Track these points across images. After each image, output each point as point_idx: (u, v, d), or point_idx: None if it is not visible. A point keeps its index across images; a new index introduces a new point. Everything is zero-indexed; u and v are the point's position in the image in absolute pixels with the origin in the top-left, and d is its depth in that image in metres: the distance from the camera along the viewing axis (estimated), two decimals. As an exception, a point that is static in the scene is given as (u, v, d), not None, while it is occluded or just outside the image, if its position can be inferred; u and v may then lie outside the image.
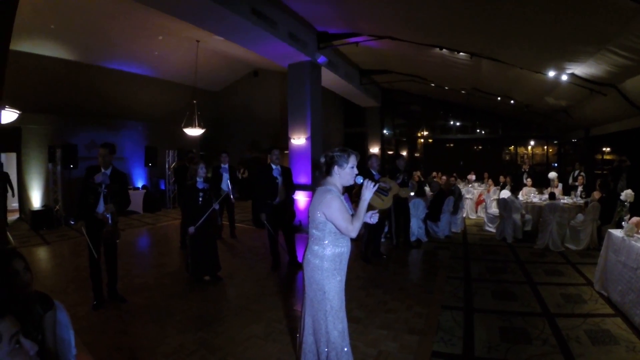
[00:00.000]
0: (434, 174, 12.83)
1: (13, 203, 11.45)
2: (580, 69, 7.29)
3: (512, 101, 11.65)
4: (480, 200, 11.36)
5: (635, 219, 4.54)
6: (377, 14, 7.38)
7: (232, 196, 7.85)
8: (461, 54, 8.05)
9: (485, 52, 7.79)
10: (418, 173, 11.51)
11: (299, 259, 5.95)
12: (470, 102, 14.44)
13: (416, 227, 7.97)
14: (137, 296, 4.90)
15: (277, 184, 6.07)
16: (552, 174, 10.55)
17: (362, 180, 2.66)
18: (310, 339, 2.83)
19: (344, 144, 15.94)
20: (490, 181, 12.17)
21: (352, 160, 2.73)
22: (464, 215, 10.60)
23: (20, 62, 9.08)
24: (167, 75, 13.66)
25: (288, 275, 5.92)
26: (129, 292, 4.94)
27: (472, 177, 13.39)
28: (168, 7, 6.37)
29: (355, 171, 2.75)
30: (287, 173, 6.28)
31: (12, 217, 11.14)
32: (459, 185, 10.60)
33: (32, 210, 10.09)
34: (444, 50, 8.12)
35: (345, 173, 2.72)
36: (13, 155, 11.24)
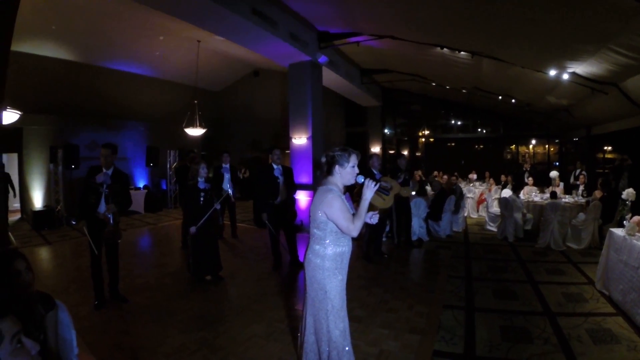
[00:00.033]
0: (435, 173, 12.82)
1: (15, 203, 11.47)
2: (581, 68, 7.27)
3: (513, 100, 11.63)
4: (481, 200, 11.35)
5: (636, 218, 4.53)
6: (377, 14, 7.37)
7: (232, 197, 7.83)
8: (462, 53, 8.04)
9: (486, 51, 7.78)
10: (419, 172, 11.51)
11: (300, 259, 5.95)
12: (471, 101, 14.42)
13: (417, 226, 7.97)
14: (139, 296, 4.91)
15: (278, 184, 6.07)
16: (554, 173, 10.53)
17: (363, 180, 2.67)
18: (312, 338, 2.83)
19: (345, 144, 15.85)
20: (491, 180, 12.15)
21: (353, 160, 2.73)
22: (465, 214, 10.59)
23: (21, 62, 9.09)
24: (168, 76, 13.66)
25: (289, 275, 5.92)
26: (131, 292, 4.95)
27: (474, 176, 13.38)
28: (169, 8, 6.37)
29: (356, 170, 2.75)
30: (288, 173, 6.29)
31: (14, 217, 11.16)
32: (460, 185, 10.60)
33: (33, 210, 10.11)
34: (445, 49, 8.11)
35: (346, 172, 2.72)
36: (14, 156, 11.26)
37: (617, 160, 9.75)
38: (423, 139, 18.21)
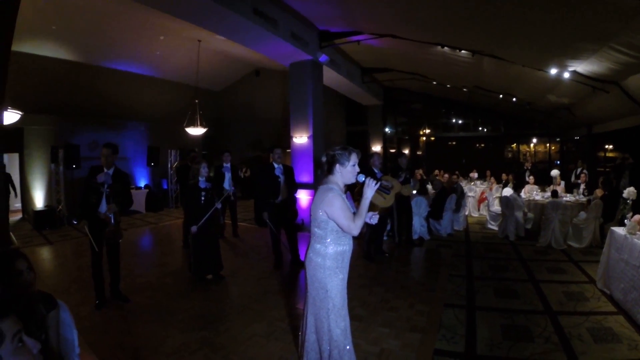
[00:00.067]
0: (436, 172, 12.82)
1: (16, 203, 11.49)
2: (582, 67, 7.27)
3: (514, 99, 11.63)
4: (482, 198, 11.34)
5: (637, 217, 4.53)
6: (378, 13, 7.37)
7: (232, 195, 7.80)
8: (462, 51, 8.03)
9: (487, 50, 7.77)
10: (420, 171, 11.50)
11: (301, 258, 5.95)
12: (472, 99, 14.42)
13: (418, 225, 7.97)
14: (140, 295, 4.92)
15: (279, 183, 6.08)
16: (555, 172, 10.53)
17: (364, 179, 2.67)
18: (313, 337, 2.84)
19: (346, 143, 15.85)
20: (492, 179, 12.14)
21: (354, 158, 2.74)
22: (467, 213, 10.58)
23: (21, 63, 9.10)
24: (169, 75, 13.67)
25: (290, 274, 5.92)
26: (132, 292, 4.96)
27: (475, 175, 13.36)
28: (169, 7, 6.37)
29: (357, 169, 2.75)
30: (289, 172, 6.29)
31: (15, 217, 11.19)
32: (461, 183, 10.59)
33: (34, 210, 10.12)
34: (445, 48, 8.11)
35: (346, 171, 2.73)
36: (15, 156, 11.29)
37: (618, 158, 9.73)
38: (424, 138, 18.22)
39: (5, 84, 4.15)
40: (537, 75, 8.32)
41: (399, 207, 7.30)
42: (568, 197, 8.53)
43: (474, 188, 11.85)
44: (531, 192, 9.40)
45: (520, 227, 8.04)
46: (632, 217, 4.68)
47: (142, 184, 13.55)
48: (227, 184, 7.85)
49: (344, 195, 2.73)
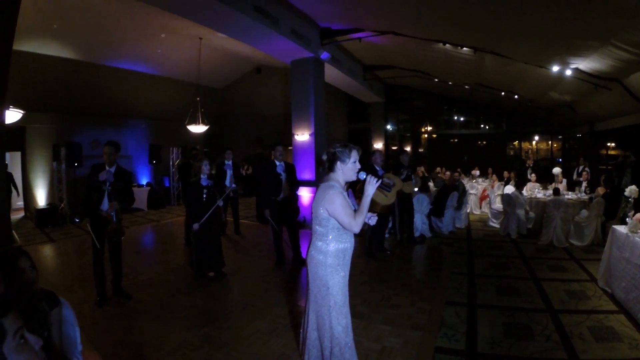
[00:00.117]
0: (438, 169, 12.78)
1: (18, 202, 11.52)
2: (584, 64, 7.25)
3: (516, 96, 11.60)
4: (484, 196, 11.33)
5: (639, 215, 4.52)
6: (380, 10, 7.36)
7: (231, 192, 7.77)
8: (464, 49, 8.02)
9: (489, 47, 7.75)
10: (422, 168, 11.50)
11: (303, 255, 5.96)
12: (473, 97, 14.39)
13: (420, 222, 7.97)
14: (142, 293, 4.94)
15: (281, 180, 6.08)
16: (556, 170, 10.50)
17: (365, 176, 2.67)
18: (314, 334, 2.85)
19: (348, 140, 15.91)
20: (494, 176, 12.12)
21: (354, 155, 2.74)
22: (468, 210, 10.56)
23: (23, 62, 9.12)
24: (170, 73, 13.68)
25: (292, 271, 5.93)
26: (134, 289, 4.98)
27: (476, 172, 13.34)
28: (170, 5, 6.38)
29: (358, 166, 2.76)
30: (290, 169, 6.29)
31: (18, 215, 11.24)
32: (463, 181, 10.58)
33: (37, 208, 10.15)
34: (447, 45, 8.10)
35: (348, 169, 2.73)
36: (17, 154, 11.32)
37: (620, 156, 9.70)
38: (426, 135, 18.17)
39: (7, 83, 4.16)
40: (539, 72, 8.31)
41: (401, 205, 7.30)
42: (570, 195, 8.52)
43: (475, 185, 11.84)
44: (533, 190, 9.39)
45: (522, 225, 8.03)
46: (633, 215, 4.67)
47: (144, 181, 13.59)
48: (228, 182, 7.85)
49: (345, 193, 2.74)
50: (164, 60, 12.50)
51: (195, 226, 5.27)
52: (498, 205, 9.38)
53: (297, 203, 8.79)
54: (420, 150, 18.42)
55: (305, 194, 9.29)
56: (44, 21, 8.61)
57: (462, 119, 17.25)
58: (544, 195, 8.84)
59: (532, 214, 8.30)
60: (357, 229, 2.62)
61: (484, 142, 17.60)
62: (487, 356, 3.35)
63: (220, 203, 5.62)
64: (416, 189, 8.13)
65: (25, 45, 9.06)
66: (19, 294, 1.93)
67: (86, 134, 11.69)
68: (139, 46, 11.23)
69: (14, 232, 7.17)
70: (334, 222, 2.67)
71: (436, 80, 12.53)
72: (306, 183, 9.18)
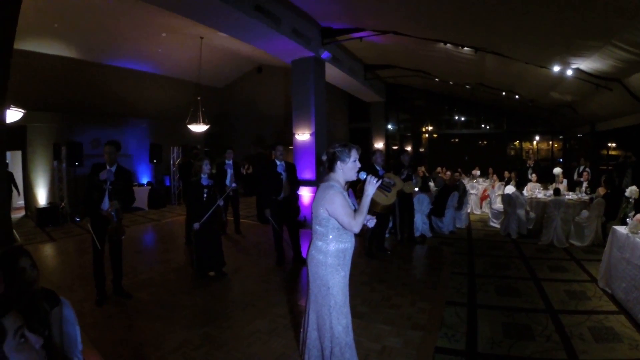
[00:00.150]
0: (439, 169, 12.78)
1: (19, 201, 11.54)
2: (585, 64, 7.24)
3: (516, 96, 11.59)
4: (484, 196, 11.32)
5: (639, 216, 4.51)
6: (380, 9, 7.36)
7: (231, 192, 7.75)
8: (465, 48, 8.01)
9: (490, 47, 7.75)
10: (422, 168, 11.49)
11: (304, 255, 5.96)
12: (474, 97, 14.37)
13: (420, 222, 7.97)
14: (143, 292, 4.94)
15: (281, 180, 6.09)
16: (557, 170, 10.50)
17: (365, 176, 2.67)
18: (314, 334, 2.85)
19: (349, 139, 15.91)
20: (494, 176, 12.12)
21: (354, 154, 2.75)
22: (469, 210, 10.56)
23: (23, 61, 9.13)
24: (171, 72, 13.69)
25: (292, 271, 5.94)
26: (134, 288, 4.98)
27: (477, 172, 13.34)
28: (171, 5, 6.38)
29: (358, 165, 2.76)
30: (291, 169, 6.30)
31: (18, 214, 11.25)
32: (463, 181, 10.57)
33: (37, 207, 10.16)
34: (448, 45, 8.09)
35: (348, 168, 2.73)
36: (18, 153, 11.33)
37: (620, 157, 9.69)
38: (426, 135, 18.16)
39: (8, 82, 4.16)
40: (539, 72, 8.30)
41: (401, 205, 7.30)
42: (570, 195, 8.52)
43: (476, 185, 11.84)
44: (533, 190, 9.38)
45: (522, 225, 8.03)
46: (634, 216, 4.67)
47: (144, 181, 13.60)
48: (229, 181, 7.85)
49: (345, 193, 2.74)
50: (164, 59, 12.51)
51: (196, 225, 5.27)
52: (498, 205, 9.37)
53: (297, 202, 8.79)
54: (421, 150, 18.41)
55: (305, 194, 9.29)
56: (44, 20, 8.62)
57: (462, 118, 17.24)
58: (545, 195, 8.83)
59: (532, 214, 8.29)
60: (356, 229, 2.62)
61: (485, 142, 17.59)
62: (487, 356, 3.35)
63: (221, 202, 5.63)
64: (417, 189, 8.13)
65: (26, 44, 9.06)
66: (20, 293, 1.93)
67: (87, 133, 11.71)
68: (140, 45, 11.24)
69: (14, 231, 7.19)
70: (334, 222, 2.67)
71: (437, 80, 12.52)
72: (307, 183, 9.18)
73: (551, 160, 16.03)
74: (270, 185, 6.02)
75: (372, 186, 2.60)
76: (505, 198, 8.21)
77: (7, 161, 4.60)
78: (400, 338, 3.65)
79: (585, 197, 8.36)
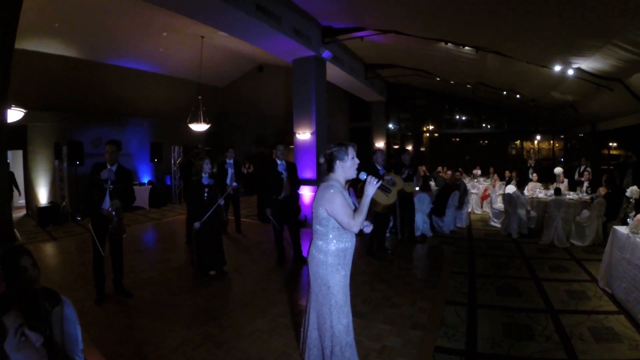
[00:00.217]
0: (439, 168, 12.78)
1: (20, 200, 11.56)
2: (586, 64, 7.23)
3: (517, 96, 11.58)
4: (485, 195, 11.32)
5: (640, 216, 4.51)
6: (381, 9, 7.35)
7: (232, 191, 7.73)
8: (466, 48, 8.01)
9: (491, 47, 7.74)
10: (423, 168, 11.47)
11: (304, 254, 5.96)
12: (475, 96, 14.37)
13: (421, 222, 7.96)
14: (143, 291, 4.95)
15: (282, 179, 6.09)
16: (558, 169, 10.48)
17: (365, 177, 2.67)
18: (315, 333, 2.86)
19: (349, 139, 15.91)
20: (495, 176, 12.10)
21: (351, 152, 2.75)
22: (469, 210, 10.55)
23: (25, 60, 9.14)
24: (172, 72, 13.70)
25: (293, 270, 5.94)
26: (135, 287, 4.99)
27: (478, 171, 13.33)
28: (172, 4, 6.38)
29: (357, 161, 2.77)
30: (292, 168, 6.30)
31: (19, 213, 11.27)
32: (464, 180, 10.57)
33: (38, 206, 10.17)
34: (449, 44, 8.09)
35: (347, 166, 2.74)
36: (19, 153, 11.34)
37: (621, 156, 9.68)
38: (427, 134, 18.16)
39: (9, 82, 4.17)
40: (541, 72, 8.29)
41: (402, 204, 7.30)
42: (571, 195, 8.50)
43: (477, 185, 11.83)
44: (534, 190, 9.37)
45: (523, 224, 8.02)
46: (635, 216, 4.66)
47: (145, 180, 13.61)
48: (229, 180, 7.85)
49: (346, 193, 2.74)
50: (165, 58, 12.52)
51: (197, 225, 5.27)
52: (499, 204, 9.37)
53: (298, 202, 8.78)
54: (422, 149, 18.41)
55: (306, 193, 9.29)
56: (45, 20, 8.63)
57: (463, 118, 17.24)
58: (546, 195, 8.82)
59: (533, 214, 8.28)
60: (356, 229, 2.63)
61: (486, 142, 17.59)
62: (487, 356, 3.35)
63: (222, 202, 5.63)
64: (417, 188, 8.13)
65: (26, 43, 9.07)
66: (21, 292, 1.94)
67: (88, 132, 11.72)
68: (141, 45, 11.24)
69: (15, 230, 7.20)
70: (334, 222, 2.68)
71: (438, 79, 12.52)
72: (307, 182, 9.18)
73: (552, 160, 16.03)
74: (271, 185, 6.03)
75: (372, 187, 2.61)
76: (506, 197, 8.21)
77: (8, 161, 4.60)
78: (401, 337, 3.65)
79: (586, 197, 8.35)
